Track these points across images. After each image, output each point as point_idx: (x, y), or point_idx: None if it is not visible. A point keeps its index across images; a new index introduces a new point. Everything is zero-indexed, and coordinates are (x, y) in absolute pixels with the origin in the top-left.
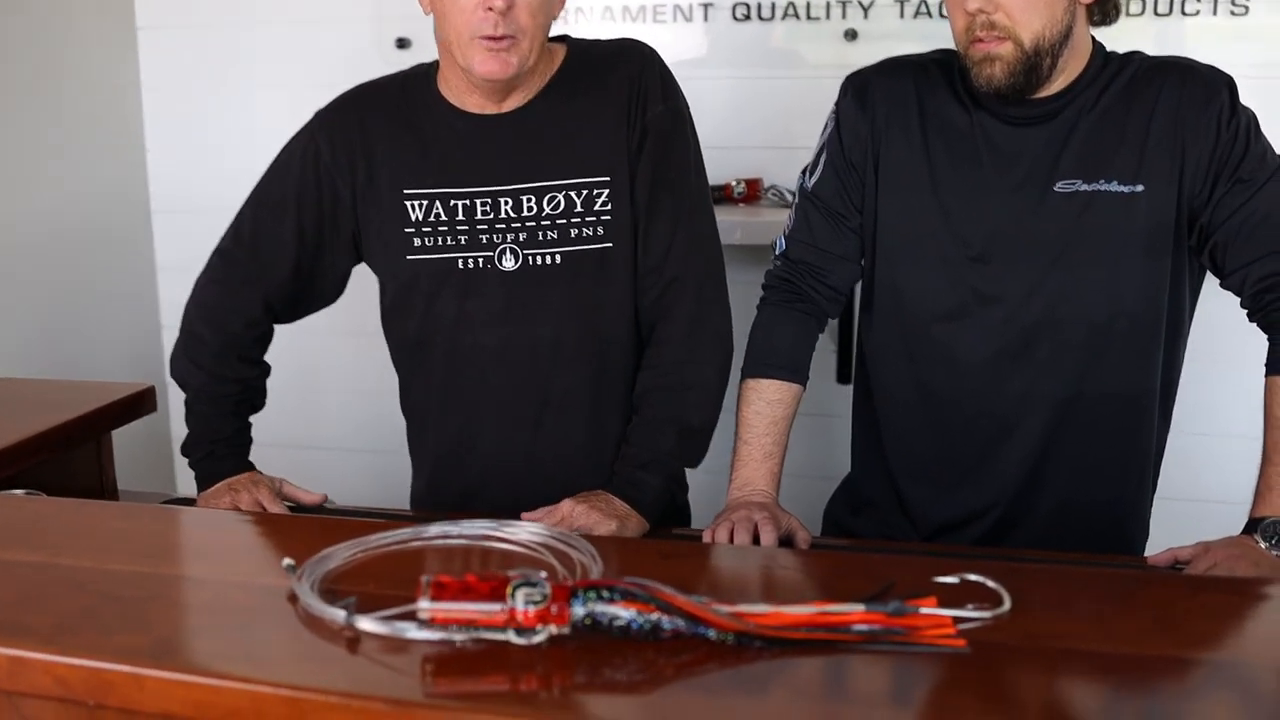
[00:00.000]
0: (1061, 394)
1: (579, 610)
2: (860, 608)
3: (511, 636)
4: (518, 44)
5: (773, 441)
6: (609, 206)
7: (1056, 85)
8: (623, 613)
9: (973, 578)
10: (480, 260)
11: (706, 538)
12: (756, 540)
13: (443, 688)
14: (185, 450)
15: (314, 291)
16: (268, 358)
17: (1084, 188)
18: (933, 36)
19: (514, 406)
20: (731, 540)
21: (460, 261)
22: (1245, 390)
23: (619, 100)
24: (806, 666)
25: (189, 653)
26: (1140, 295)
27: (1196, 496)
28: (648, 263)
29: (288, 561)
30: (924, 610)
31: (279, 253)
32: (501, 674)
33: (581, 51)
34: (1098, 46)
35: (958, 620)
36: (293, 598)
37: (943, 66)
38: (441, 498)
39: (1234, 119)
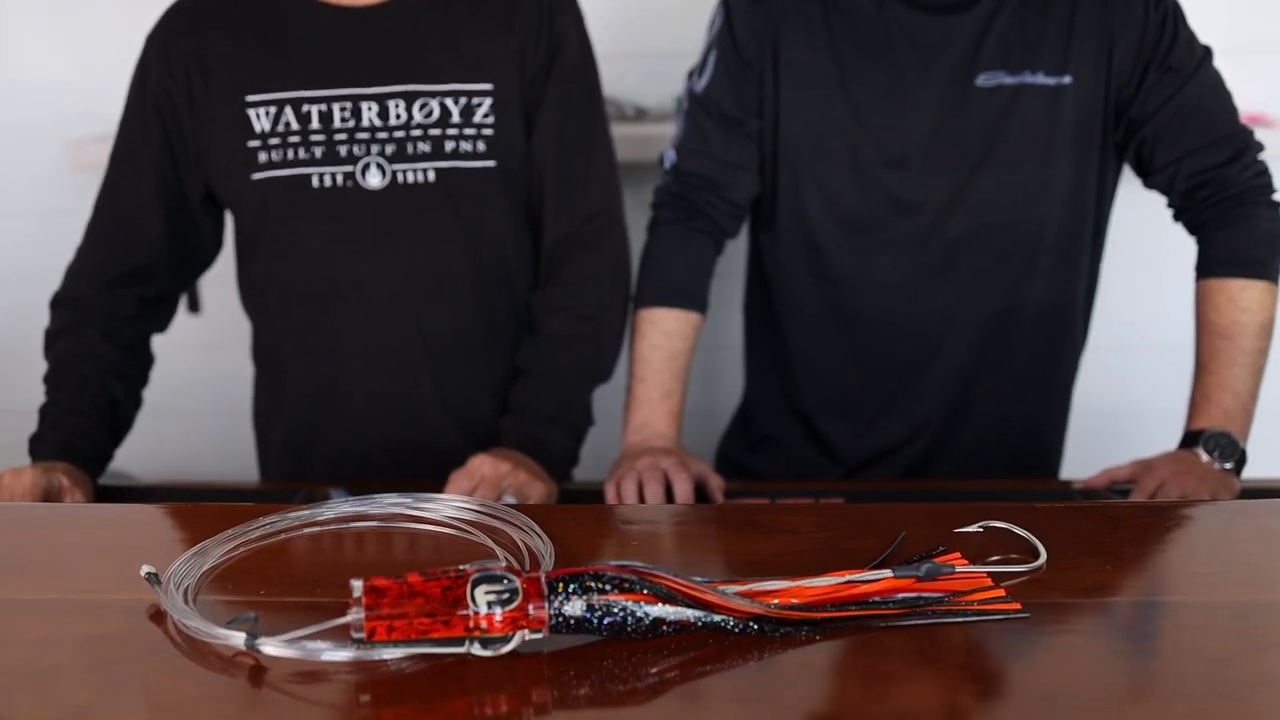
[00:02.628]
0: (989, 310)
1: (566, 608)
2: (887, 574)
3: (475, 648)
4: None
5: (671, 378)
6: (491, 119)
7: None
8: (616, 606)
9: (998, 525)
10: (340, 177)
11: (610, 493)
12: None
13: None
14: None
15: (192, 241)
16: None
17: (1008, 81)
18: None
19: (386, 352)
20: (641, 495)
21: (316, 178)
22: (1131, 300)
23: (518, 2)
24: (852, 653)
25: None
26: (1069, 199)
27: (1103, 410)
28: (562, 192)
29: (147, 569)
30: (960, 570)
31: (140, 200)
32: (465, 697)
33: None
34: None
35: (995, 578)
36: (159, 616)
37: None
38: (303, 465)
39: (1160, 3)
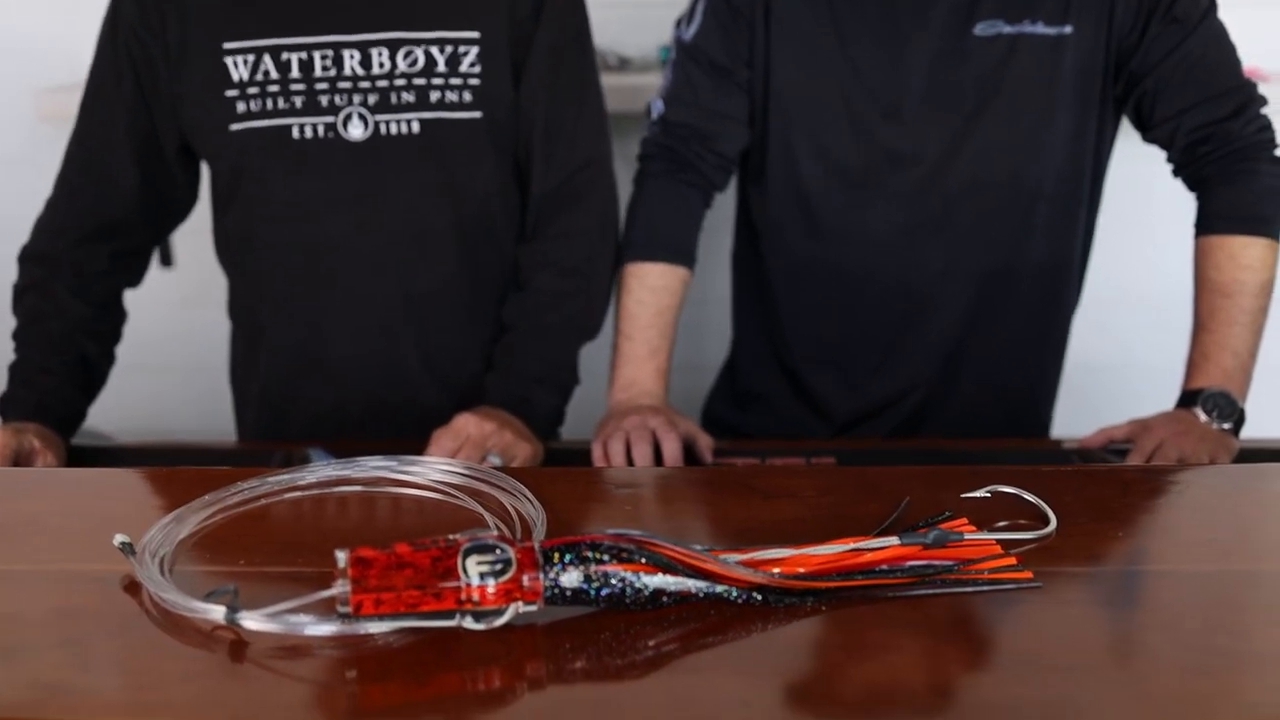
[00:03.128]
0: (986, 266)
1: (563, 579)
2: (894, 541)
3: (468, 622)
4: None
5: (658, 334)
6: (478, 69)
7: None
8: (615, 577)
9: (1005, 489)
10: (320, 128)
11: (596, 453)
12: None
13: (378, 701)
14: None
15: (167, 193)
16: None
17: (1007, 30)
18: None
19: (368, 308)
20: (629, 456)
21: (296, 129)
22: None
23: None
24: (860, 625)
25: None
26: (1068, 152)
27: (1091, 365)
28: (551, 142)
29: (120, 539)
30: (969, 537)
31: (112, 151)
32: (456, 672)
33: None
34: None
35: (1004, 545)
36: (134, 587)
37: None
38: (281, 423)
39: None
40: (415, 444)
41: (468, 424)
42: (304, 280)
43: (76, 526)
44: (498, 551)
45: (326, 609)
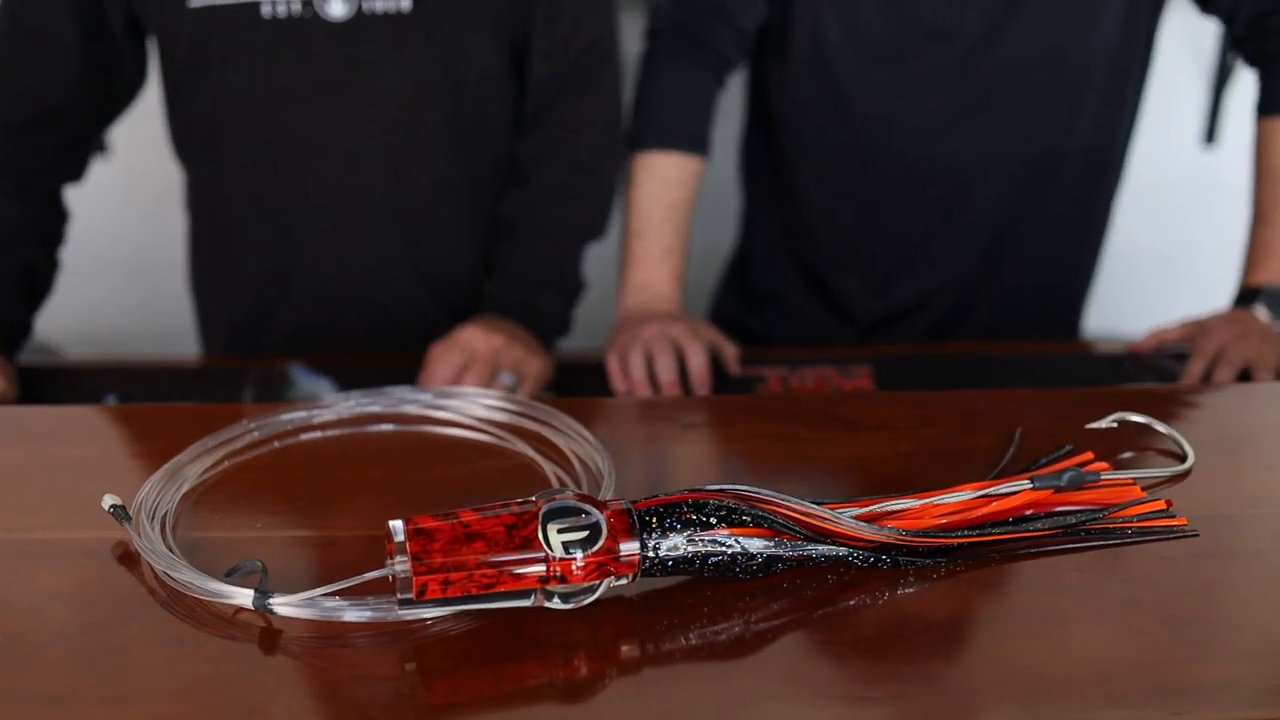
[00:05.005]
0: (1029, 153)
1: (663, 547)
2: (1025, 485)
3: (554, 603)
4: None
5: (673, 231)
6: None
7: None
8: (724, 542)
9: (1135, 418)
10: (295, 5)
11: (613, 366)
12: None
13: (447, 697)
14: None
15: (114, 75)
16: None
17: None
18: None
19: (353, 208)
20: (651, 373)
21: (266, 6)
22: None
23: None
24: (1008, 589)
25: None
26: (1120, 28)
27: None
28: (553, 16)
29: (111, 500)
30: (1105, 477)
31: (52, 28)
32: (535, 660)
33: None
34: None
35: (1142, 485)
36: (130, 559)
37: None
38: (255, 336)
39: None
40: (411, 357)
41: (473, 338)
42: (280, 177)
43: (48, 482)
44: (583, 516)
45: (373, 586)
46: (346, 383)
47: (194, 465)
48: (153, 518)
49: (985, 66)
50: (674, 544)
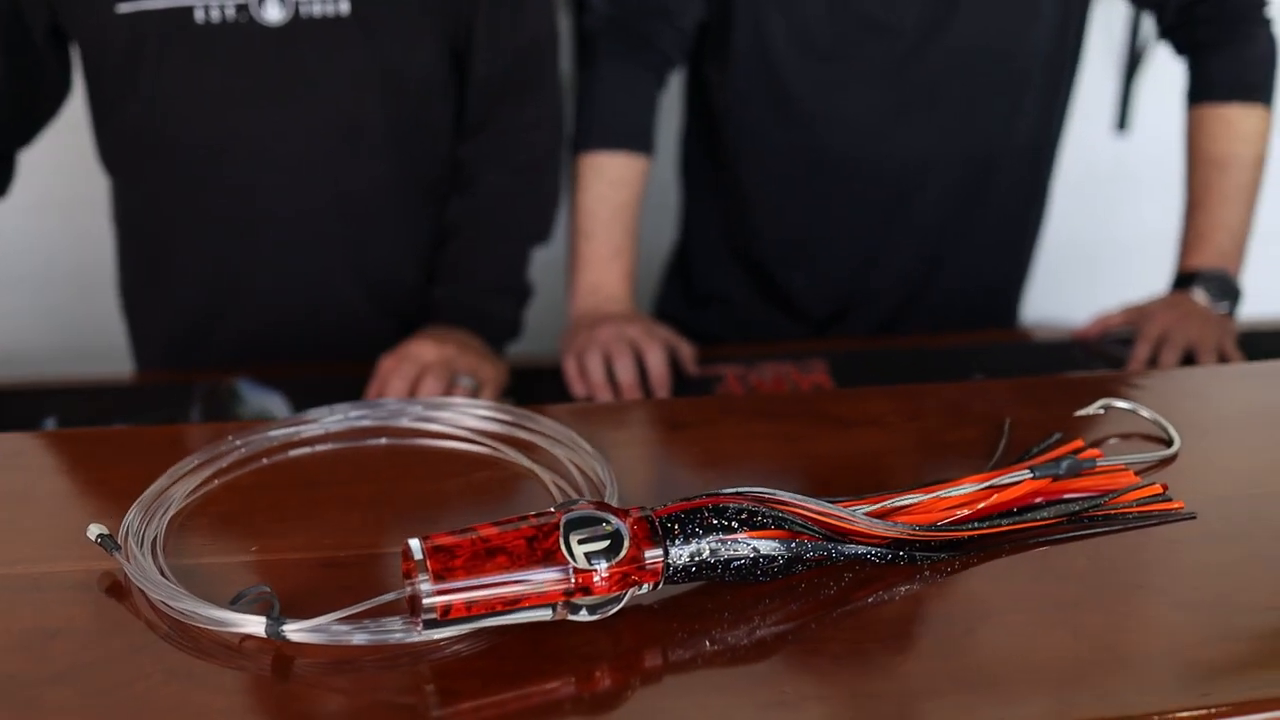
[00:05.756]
0: (972, 151)
1: (685, 554)
2: (1025, 475)
3: (581, 615)
4: None
5: (622, 232)
6: None
7: None
8: (744, 546)
9: (1120, 405)
10: (230, 9)
11: (571, 370)
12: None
13: (472, 717)
14: None
15: (37, 85)
16: None
17: None
18: None
19: (293, 217)
20: (611, 375)
21: (200, 11)
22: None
23: None
24: (1020, 579)
25: None
26: (1055, 25)
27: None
28: (495, 16)
29: (98, 529)
30: (1100, 464)
31: None
32: (558, 676)
33: None
34: None
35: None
36: (119, 590)
37: None
38: (193, 351)
39: None
40: (357, 368)
41: (424, 349)
42: (217, 187)
43: (17, 514)
44: (603, 525)
45: (387, 607)
46: (296, 396)
47: (178, 487)
48: (141, 544)
49: (926, 64)
50: (697, 549)
